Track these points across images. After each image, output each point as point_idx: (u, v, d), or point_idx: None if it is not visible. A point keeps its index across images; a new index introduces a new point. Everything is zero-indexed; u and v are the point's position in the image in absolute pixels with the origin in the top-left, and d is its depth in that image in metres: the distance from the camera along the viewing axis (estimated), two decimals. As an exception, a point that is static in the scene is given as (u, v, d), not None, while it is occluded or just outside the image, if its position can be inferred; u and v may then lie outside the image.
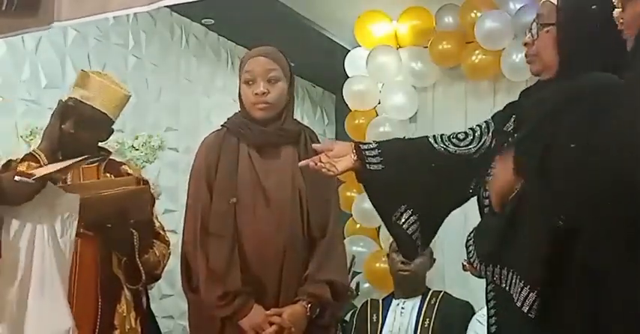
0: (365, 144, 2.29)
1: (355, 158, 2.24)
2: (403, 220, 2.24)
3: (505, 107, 2.31)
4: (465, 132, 2.34)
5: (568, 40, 2.00)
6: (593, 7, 1.93)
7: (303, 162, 2.30)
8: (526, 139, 2.03)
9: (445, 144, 2.30)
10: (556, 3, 2.05)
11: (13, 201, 2.15)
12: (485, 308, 3.46)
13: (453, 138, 2.32)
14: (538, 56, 2.11)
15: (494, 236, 2.02)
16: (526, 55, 2.15)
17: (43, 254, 2.19)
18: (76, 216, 2.29)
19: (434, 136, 2.33)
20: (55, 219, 2.25)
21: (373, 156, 2.25)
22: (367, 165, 2.24)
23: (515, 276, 1.95)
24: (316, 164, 2.24)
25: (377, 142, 2.30)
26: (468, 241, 2.12)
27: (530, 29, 2.12)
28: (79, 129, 2.63)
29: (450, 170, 2.27)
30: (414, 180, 2.26)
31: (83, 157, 2.37)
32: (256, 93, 2.54)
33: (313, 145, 2.35)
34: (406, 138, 2.42)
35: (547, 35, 2.06)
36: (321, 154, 2.25)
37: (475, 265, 2.05)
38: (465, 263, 2.25)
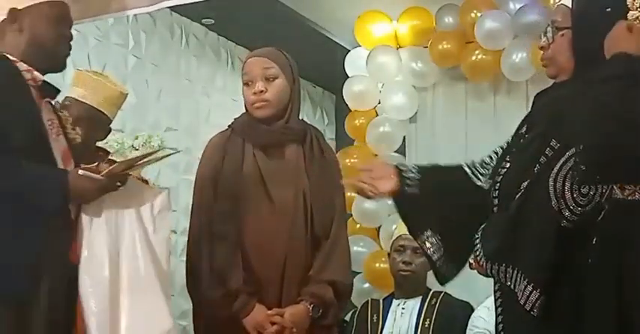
0: (405, 166, 2.35)
1: (397, 181, 2.30)
2: (429, 244, 2.27)
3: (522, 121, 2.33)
4: (490, 156, 2.35)
5: (583, 42, 2.03)
6: (608, 9, 1.95)
7: (347, 181, 2.34)
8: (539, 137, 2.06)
9: (479, 172, 2.34)
10: (571, 7, 2.08)
11: (79, 198, 2.11)
12: (479, 310, 3.48)
13: (485, 163, 2.35)
14: (554, 59, 2.14)
15: (500, 234, 2.04)
16: (542, 59, 2.18)
17: (134, 252, 2.14)
18: (169, 210, 2.25)
19: (466, 164, 2.36)
20: (144, 215, 2.20)
21: (411, 179, 2.31)
22: (405, 187, 2.30)
23: (519, 274, 1.97)
24: (360, 184, 2.29)
25: (418, 166, 2.35)
26: (475, 239, 2.13)
27: (545, 33, 2.15)
28: (76, 128, 2.63)
29: (480, 201, 2.29)
30: (444, 208, 2.31)
31: (152, 151, 2.34)
32: (254, 93, 2.54)
33: (359, 167, 2.38)
34: (445, 164, 2.45)
35: (562, 39, 2.09)
36: (364, 174, 2.30)
37: (482, 263, 2.06)
38: (472, 261, 2.25)
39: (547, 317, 1.92)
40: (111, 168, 2.16)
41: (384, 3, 4.83)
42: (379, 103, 4.90)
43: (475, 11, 4.56)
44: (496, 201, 2.15)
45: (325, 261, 2.50)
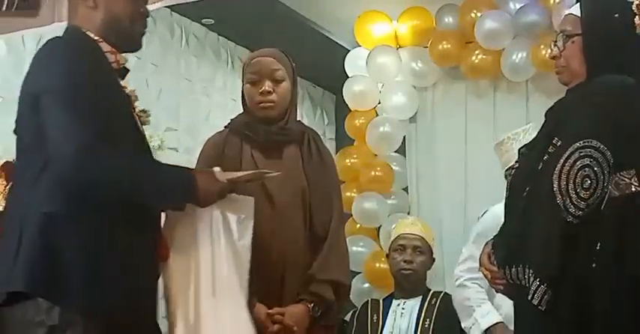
0: None
1: None
2: None
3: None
4: None
5: (594, 47, 2.10)
6: (616, 15, 2.05)
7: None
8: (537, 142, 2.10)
9: None
10: (579, 15, 2.15)
11: (202, 200, 2.03)
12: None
13: None
14: (567, 67, 2.20)
15: (509, 237, 2.07)
16: (555, 67, 2.24)
17: (221, 257, 2.12)
18: (252, 219, 2.22)
19: None
20: (230, 221, 2.18)
21: None
22: None
23: (529, 271, 2.00)
24: None
25: None
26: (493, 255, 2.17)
27: (555, 42, 2.21)
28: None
29: None
30: None
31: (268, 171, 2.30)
32: (261, 92, 2.54)
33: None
34: None
35: (573, 46, 2.16)
36: None
37: (504, 274, 2.09)
38: (496, 287, 2.25)
39: (555, 315, 1.95)
40: (238, 175, 2.15)
41: (384, 3, 4.83)
42: (379, 103, 4.89)
43: (475, 11, 4.56)
44: (507, 203, 2.20)
45: (325, 261, 2.50)
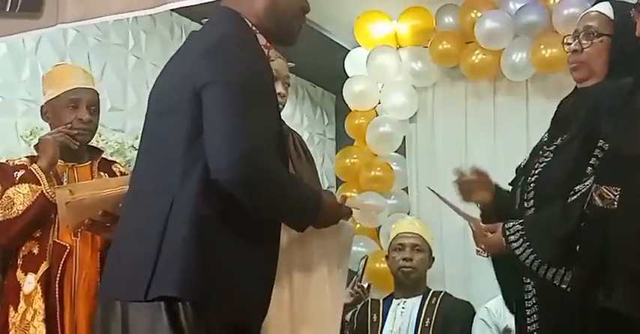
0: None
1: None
2: None
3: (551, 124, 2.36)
4: None
5: (623, 52, 2.13)
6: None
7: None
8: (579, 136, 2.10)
9: None
10: (610, 15, 2.18)
11: (322, 222, 1.93)
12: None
13: None
14: (586, 63, 2.19)
15: (561, 241, 2.08)
16: (571, 62, 2.23)
17: (323, 288, 2.08)
18: (351, 248, 2.19)
19: None
20: (331, 249, 2.13)
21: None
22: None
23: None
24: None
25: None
26: (513, 233, 2.13)
27: (577, 37, 2.20)
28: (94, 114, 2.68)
29: None
30: None
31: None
32: (278, 93, 2.53)
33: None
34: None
35: (601, 45, 2.17)
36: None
37: (533, 267, 2.09)
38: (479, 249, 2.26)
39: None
40: (359, 204, 2.07)
41: (384, 3, 4.83)
42: (379, 103, 4.89)
43: (475, 11, 4.56)
44: (531, 203, 2.19)
45: None
